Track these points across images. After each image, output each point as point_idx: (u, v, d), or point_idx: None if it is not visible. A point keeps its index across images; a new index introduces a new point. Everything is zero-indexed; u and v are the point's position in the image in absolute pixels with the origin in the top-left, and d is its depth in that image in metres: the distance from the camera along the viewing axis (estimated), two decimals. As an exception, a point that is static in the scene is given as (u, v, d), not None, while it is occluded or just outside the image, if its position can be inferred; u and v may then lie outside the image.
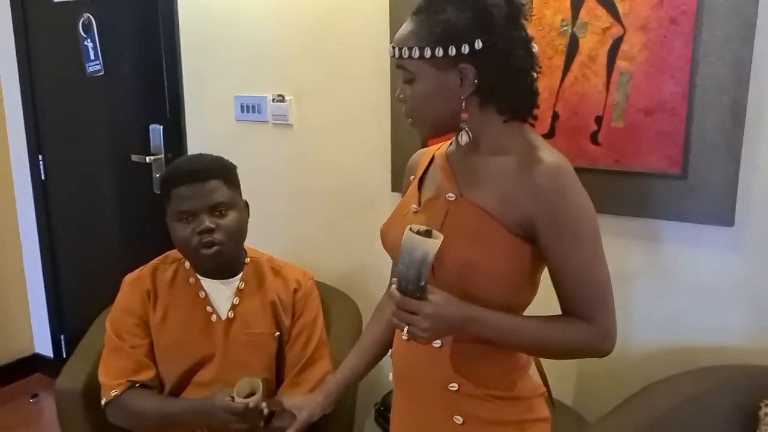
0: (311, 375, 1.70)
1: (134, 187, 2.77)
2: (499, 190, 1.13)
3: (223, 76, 2.43)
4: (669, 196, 1.67)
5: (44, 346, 3.37)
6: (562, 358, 1.26)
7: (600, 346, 1.13)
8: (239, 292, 1.71)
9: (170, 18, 2.48)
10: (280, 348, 1.74)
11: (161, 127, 2.63)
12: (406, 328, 1.11)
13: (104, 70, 2.71)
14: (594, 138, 1.73)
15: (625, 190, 1.71)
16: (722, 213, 1.62)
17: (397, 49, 1.14)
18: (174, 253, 1.75)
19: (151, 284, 1.71)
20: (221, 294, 1.70)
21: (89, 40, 2.70)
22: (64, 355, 3.24)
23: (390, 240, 1.25)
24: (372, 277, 2.14)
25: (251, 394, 1.52)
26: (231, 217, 1.63)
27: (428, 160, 1.29)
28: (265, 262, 1.78)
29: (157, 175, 2.65)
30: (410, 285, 1.08)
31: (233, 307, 1.70)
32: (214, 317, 1.69)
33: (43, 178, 3.11)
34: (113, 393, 1.62)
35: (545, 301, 1.19)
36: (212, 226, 1.59)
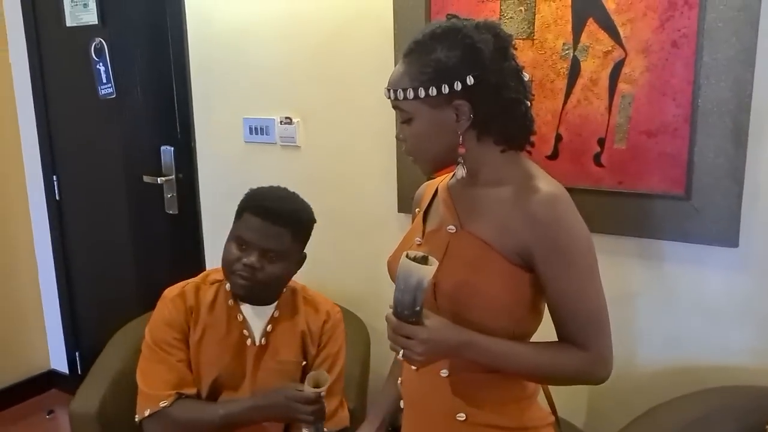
0: (327, 406, 1.72)
1: (146, 207, 2.81)
2: (496, 221, 1.15)
3: (232, 98, 2.47)
4: (673, 217, 1.68)
5: (60, 363, 3.42)
6: (558, 384, 1.27)
7: (595, 373, 1.15)
8: (273, 319, 1.75)
9: (180, 42, 2.53)
10: (303, 376, 1.76)
11: (172, 148, 2.67)
12: (401, 352, 1.13)
13: (116, 93, 2.75)
14: (597, 160, 1.75)
15: (629, 211, 1.72)
16: (726, 234, 1.62)
17: (392, 91, 1.17)
18: (213, 273, 1.79)
19: (194, 301, 1.73)
20: (257, 320, 1.74)
21: (101, 64, 2.75)
22: (80, 372, 3.29)
23: (395, 270, 1.27)
24: (379, 296, 2.15)
25: (317, 387, 1.57)
26: (278, 266, 1.66)
27: (433, 192, 1.32)
28: (299, 291, 1.82)
29: (169, 196, 2.69)
30: (405, 310, 1.11)
31: (266, 334, 1.73)
32: (249, 341, 1.72)
33: (57, 198, 3.16)
34: (162, 404, 1.63)
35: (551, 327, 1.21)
36: (257, 265, 1.62)
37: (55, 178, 3.14)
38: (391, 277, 1.32)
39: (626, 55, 1.67)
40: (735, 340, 1.68)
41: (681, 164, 1.65)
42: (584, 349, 1.13)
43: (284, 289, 1.78)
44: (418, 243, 1.26)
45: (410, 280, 1.08)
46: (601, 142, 1.74)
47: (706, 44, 1.57)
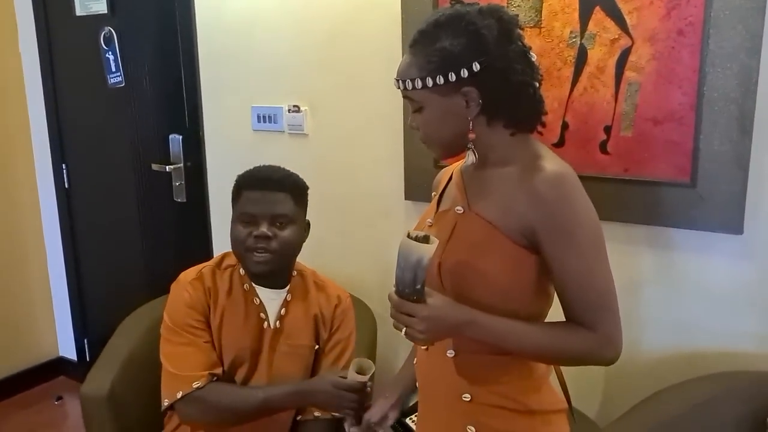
0: None
1: (155, 195, 2.84)
2: (501, 200, 1.16)
3: (240, 87, 2.49)
4: (678, 204, 1.69)
5: (68, 350, 3.45)
6: (565, 364, 1.28)
7: (602, 354, 1.14)
8: (286, 303, 1.77)
9: (188, 31, 2.54)
10: (316, 360, 1.79)
11: (180, 137, 2.69)
12: (404, 330, 1.14)
13: (125, 82, 2.78)
14: (603, 147, 1.76)
15: (635, 199, 1.74)
16: (731, 221, 1.64)
17: (400, 81, 1.19)
18: (226, 257, 1.80)
19: (212, 283, 1.74)
20: (271, 303, 1.76)
21: (110, 53, 2.77)
22: (88, 359, 3.32)
23: None
24: (386, 283, 2.17)
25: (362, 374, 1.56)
26: (289, 231, 1.68)
27: (449, 176, 1.34)
28: (309, 275, 1.84)
29: (177, 184, 2.72)
30: (407, 288, 1.12)
31: (280, 318, 1.75)
32: (266, 324, 1.74)
33: (66, 186, 3.18)
34: (195, 385, 1.61)
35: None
36: (269, 234, 1.64)
37: (64, 166, 3.16)
38: None
39: (633, 43, 1.68)
40: (740, 326, 1.70)
41: (686, 152, 1.66)
42: (590, 330, 1.12)
43: (294, 273, 1.80)
44: (429, 224, 1.28)
45: (410, 258, 1.10)
46: (608, 130, 1.75)
47: (712, 32, 1.58)
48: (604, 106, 1.74)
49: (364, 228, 2.30)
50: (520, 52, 1.15)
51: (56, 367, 3.48)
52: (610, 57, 1.71)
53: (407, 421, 1.77)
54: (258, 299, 1.75)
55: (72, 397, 3.24)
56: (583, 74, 1.75)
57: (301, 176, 1.78)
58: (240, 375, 1.73)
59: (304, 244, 1.79)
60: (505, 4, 1.81)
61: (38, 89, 3.16)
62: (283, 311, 1.76)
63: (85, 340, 3.36)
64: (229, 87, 2.52)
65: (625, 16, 1.68)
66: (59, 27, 3.03)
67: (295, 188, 1.71)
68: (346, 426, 1.57)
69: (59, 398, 3.26)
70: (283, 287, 1.77)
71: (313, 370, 1.79)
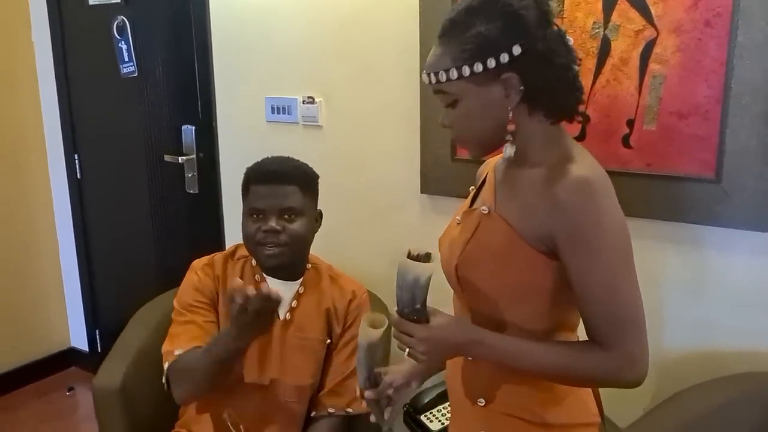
0: (352, 386, 1.71)
1: (167, 186, 2.82)
2: (524, 204, 1.09)
3: (254, 78, 2.46)
4: (702, 200, 1.65)
5: (80, 341, 3.45)
6: (582, 386, 1.18)
7: (620, 376, 1.04)
8: (298, 295, 1.74)
9: (202, 21, 2.51)
10: (328, 355, 1.76)
11: (193, 127, 2.66)
12: (407, 350, 1.11)
13: (138, 72, 2.76)
14: (626, 141, 1.72)
15: (658, 194, 1.70)
16: (757, 218, 1.59)
17: (432, 74, 1.10)
18: (240, 249, 1.79)
19: (221, 271, 1.74)
20: (283, 295, 1.72)
21: (123, 42, 2.75)
22: (99, 350, 3.32)
23: (441, 255, 1.24)
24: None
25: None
26: (298, 223, 1.66)
27: (489, 169, 1.25)
28: (324, 269, 1.82)
29: (190, 175, 2.69)
30: (405, 308, 1.10)
31: (291, 310, 1.73)
32: (276, 315, 1.71)
33: (78, 177, 3.17)
34: (176, 352, 1.60)
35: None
36: (278, 228, 1.63)
37: (77, 157, 3.15)
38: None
39: (658, 34, 1.64)
40: (763, 325, 1.66)
41: (711, 147, 1.62)
42: (607, 349, 1.03)
43: (308, 266, 1.77)
44: (458, 222, 1.22)
45: (407, 277, 1.07)
46: (630, 124, 1.71)
47: (741, 23, 1.54)
48: (627, 99, 1.70)
49: (379, 221, 2.27)
50: (558, 35, 1.08)
51: (67, 357, 3.47)
52: (633, 48, 1.67)
53: (422, 418, 1.75)
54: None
55: (83, 387, 3.24)
56: (606, 66, 1.71)
57: (313, 167, 1.75)
58: (250, 366, 1.70)
59: (317, 235, 1.76)
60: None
61: (50, 79, 3.14)
62: (294, 303, 1.73)
63: (97, 331, 3.35)
64: (243, 78, 2.49)
65: (650, 7, 1.64)
66: (72, 16, 3.01)
67: (303, 179, 1.69)
68: (358, 388, 1.36)
69: (71, 389, 3.26)
70: (295, 279, 1.74)
71: (325, 366, 1.76)
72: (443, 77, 1.08)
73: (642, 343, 1.04)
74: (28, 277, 3.29)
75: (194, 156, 2.68)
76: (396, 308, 1.11)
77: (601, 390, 1.23)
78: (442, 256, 1.21)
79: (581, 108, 1.15)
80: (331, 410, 1.71)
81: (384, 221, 2.26)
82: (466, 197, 1.30)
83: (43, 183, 3.30)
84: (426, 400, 1.79)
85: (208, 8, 2.49)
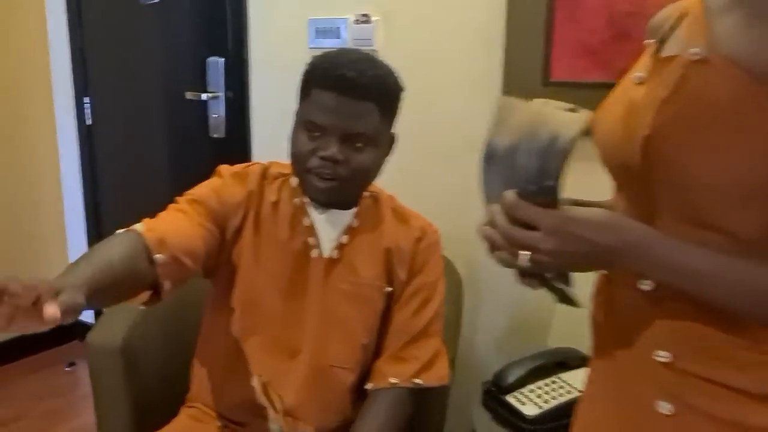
0: (420, 351, 1.32)
1: (188, 130, 2.45)
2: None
3: (297, -5, 2.08)
4: None
5: (84, 311, 3.06)
6: None
7: None
8: (350, 229, 1.34)
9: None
10: (388, 309, 1.36)
11: (222, 59, 2.28)
12: (519, 256, 0.73)
13: (160, -5, 2.39)
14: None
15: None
16: None
17: None
18: (274, 165, 1.39)
19: (256, 187, 1.33)
20: (328, 227, 1.33)
21: (144, -39, 2.38)
22: (105, 322, 2.94)
23: (601, 131, 0.83)
24: (472, 237, 1.76)
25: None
26: (366, 155, 1.25)
27: (679, 14, 0.82)
28: (385, 200, 1.40)
29: (215, 116, 2.31)
30: (530, 183, 0.71)
31: (340, 247, 1.33)
32: (315, 252, 1.32)
33: (89, 122, 2.80)
34: (118, 231, 1.18)
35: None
36: (339, 157, 1.21)
37: (87, 100, 2.77)
38: (595, 142, 0.84)
39: None
40: None
41: None
42: None
43: (366, 194, 1.38)
44: (639, 80, 0.80)
45: (539, 132, 0.70)
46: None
47: None
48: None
49: (444, 168, 1.87)
50: None
51: (70, 330, 3.08)
52: None
53: (509, 399, 1.36)
54: (309, 219, 1.33)
55: (85, 363, 2.85)
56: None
57: (393, 71, 1.31)
58: (283, 320, 1.31)
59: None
60: None
61: (60, 7, 2.77)
62: (345, 239, 1.33)
63: (103, 301, 2.97)
64: (283, -4, 2.11)
65: None
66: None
67: (384, 96, 1.26)
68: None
69: (71, 364, 2.90)
70: (347, 208, 1.35)
71: (384, 322, 1.36)
72: None
73: None
74: (29, 235, 2.93)
75: (221, 94, 2.30)
76: (504, 189, 0.73)
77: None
78: (606, 133, 0.81)
79: None
80: (393, 380, 1.30)
81: (450, 168, 1.86)
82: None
83: (48, 131, 2.93)
84: (513, 378, 1.40)
85: None
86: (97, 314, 2.93)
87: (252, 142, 2.28)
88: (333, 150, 1.21)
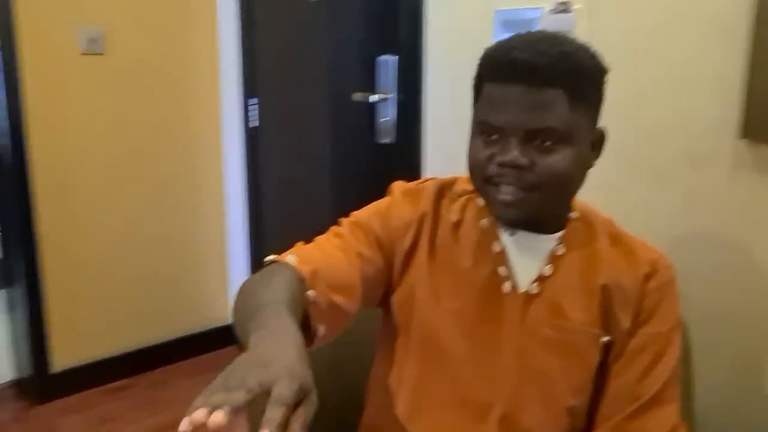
0: (651, 424, 1.02)
1: (353, 133, 2.28)
2: None
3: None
4: None
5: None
6: None
7: None
8: (554, 258, 1.06)
9: None
10: (605, 363, 1.07)
11: (394, 58, 2.09)
12: None
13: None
14: None
15: None
16: None
17: None
18: (460, 182, 1.15)
19: (431, 208, 1.11)
20: (525, 255, 1.07)
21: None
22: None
23: None
24: (696, 270, 1.43)
25: None
26: (560, 156, 0.96)
27: None
28: (601, 223, 1.12)
29: (384, 120, 2.12)
30: None
31: (541, 279, 1.06)
32: (507, 285, 1.06)
33: (255, 124, 2.71)
34: (270, 257, 1.02)
35: None
36: (523, 161, 0.96)
37: (254, 101, 2.69)
38: None
39: None
40: None
41: None
42: None
43: (572, 214, 1.09)
44: None
45: None
46: None
47: None
48: None
49: (663, 181, 1.54)
50: None
51: (226, 335, 3.05)
52: None
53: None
54: (500, 245, 1.07)
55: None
56: None
57: (588, 49, 1.01)
58: (462, 354, 1.06)
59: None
60: None
61: (231, 4, 2.71)
62: (548, 270, 1.06)
63: (261, 308, 2.90)
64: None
65: None
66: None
67: (574, 79, 0.95)
68: None
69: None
70: (551, 232, 1.07)
71: (600, 381, 1.07)
72: None
73: None
74: (189, 240, 2.92)
75: (393, 95, 2.11)
76: None
77: None
78: None
79: None
80: None
81: (671, 182, 1.52)
82: None
83: (213, 134, 2.88)
84: None
85: None
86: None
87: (425, 149, 2.05)
88: (514, 153, 0.95)
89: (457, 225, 1.10)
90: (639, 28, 1.54)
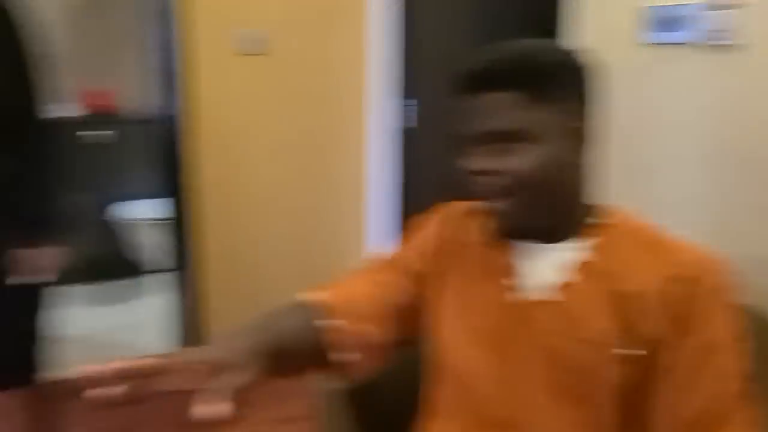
0: None
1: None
2: None
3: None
4: None
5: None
6: None
7: None
8: (568, 266, 0.98)
9: None
10: (634, 380, 0.93)
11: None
12: None
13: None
14: None
15: None
16: None
17: None
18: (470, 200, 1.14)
19: (448, 229, 1.12)
20: (539, 263, 1.00)
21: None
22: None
23: None
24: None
25: None
26: (524, 156, 0.92)
27: None
28: (630, 230, 1.00)
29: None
30: None
31: (553, 289, 0.97)
32: (517, 295, 0.99)
33: (411, 126, 2.72)
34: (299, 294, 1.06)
35: None
36: (484, 166, 0.94)
37: (413, 102, 2.68)
38: None
39: None
40: None
41: None
42: None
43: (590, 218, 0.98)
44: None
45: None
46: None
47: None
48: None
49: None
50: None
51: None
52: None
53: None
54: (509, 257, 1.02)
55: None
56: None
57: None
58: (485, 382, 1.00)
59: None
60: None
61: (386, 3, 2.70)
62: (560, 278, 0.97)
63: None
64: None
65: None
66: None
67: (531, 78, 0.91)
68: None
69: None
70: (562, 240, 0.99)
71: (624, 401, 0.93)
72: None
73: None
74: (329, 254, 2.92)
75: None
76: None
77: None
78: None
79: None
80: None
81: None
82: None
83: (356, 134, 2.86)
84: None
85: None
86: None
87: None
88: (473, 158, 0.94)
89: (468, 243, 1.08)
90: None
